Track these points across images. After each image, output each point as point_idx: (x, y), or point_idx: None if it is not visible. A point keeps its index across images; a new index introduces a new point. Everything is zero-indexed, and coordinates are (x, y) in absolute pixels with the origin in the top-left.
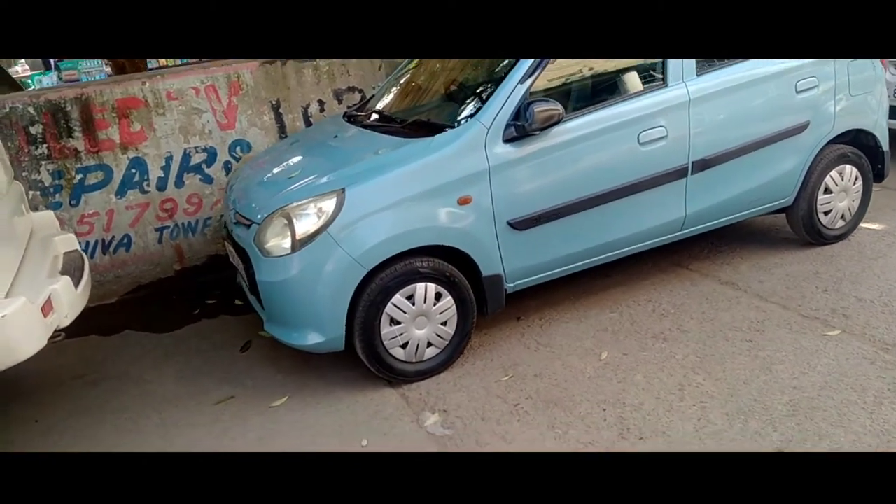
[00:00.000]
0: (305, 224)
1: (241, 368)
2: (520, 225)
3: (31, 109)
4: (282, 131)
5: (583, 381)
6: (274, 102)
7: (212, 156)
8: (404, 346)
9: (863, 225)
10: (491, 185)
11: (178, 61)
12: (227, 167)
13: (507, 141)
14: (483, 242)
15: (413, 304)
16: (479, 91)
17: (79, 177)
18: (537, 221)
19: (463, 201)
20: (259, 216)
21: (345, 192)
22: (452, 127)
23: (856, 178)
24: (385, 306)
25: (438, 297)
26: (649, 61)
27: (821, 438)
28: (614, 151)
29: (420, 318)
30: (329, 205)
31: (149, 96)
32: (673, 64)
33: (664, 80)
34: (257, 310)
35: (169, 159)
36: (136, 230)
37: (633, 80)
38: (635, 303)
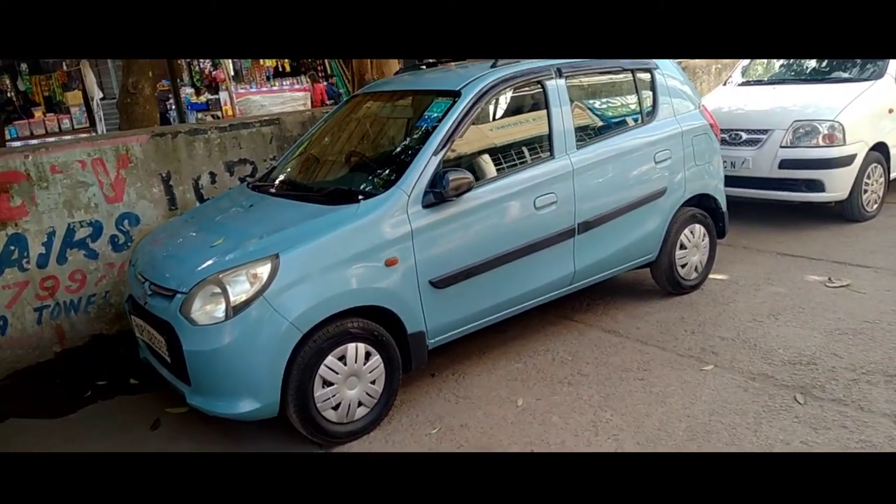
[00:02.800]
0: (239, 290)
1: (157, 447)
2: (440, 283)
3: None
4: (172, 204)
5: (507, 427)
6: (164, 175)
7: (97, 230)
8: (336, 407)
9: (711, 276)
10: (414, 247)
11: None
12: (114, 241)
13: (425, 206)
14: (408, 301)
15: (345, 365)
16: (390, 160)
17: None
18: (455, 280)
19: (390, 262)
20: (184, 285)
21: (279, 258)
22: (373, 195)
23: (704, 236)
24: (318, 368)
25: (367, 356)
26: (538, 135)
27: None
28: (517, 215)
29: (351, 377)
30: (264, 270)
31: (31, 170)
32: (557, 138)
33: (551, 153)
34: (175, 384)
35: (51, 235)
36: (12, 311)
37: (526, 152)
38: (535, 353)
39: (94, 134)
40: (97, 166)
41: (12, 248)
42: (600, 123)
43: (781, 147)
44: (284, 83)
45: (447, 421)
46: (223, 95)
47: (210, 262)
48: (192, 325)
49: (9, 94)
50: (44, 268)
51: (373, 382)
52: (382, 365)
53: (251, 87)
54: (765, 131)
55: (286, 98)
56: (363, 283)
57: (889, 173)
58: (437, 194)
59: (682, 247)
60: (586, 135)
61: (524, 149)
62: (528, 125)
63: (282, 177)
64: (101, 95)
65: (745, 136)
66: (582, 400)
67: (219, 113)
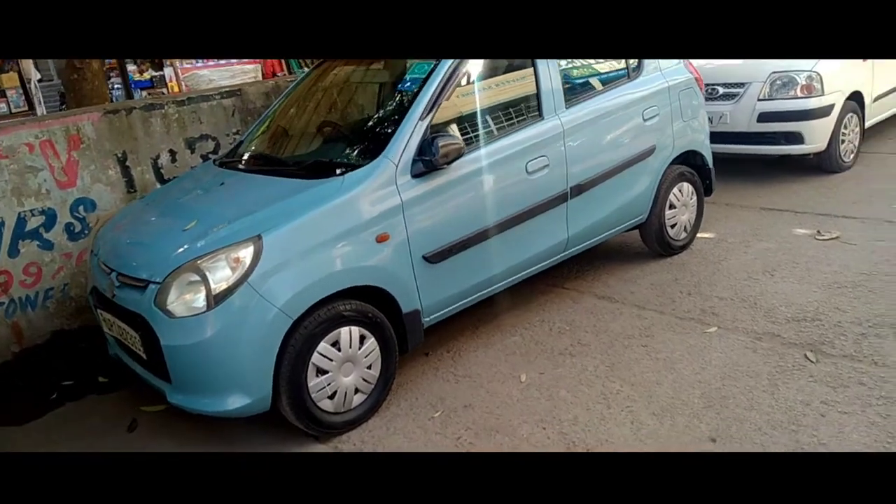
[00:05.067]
0: (220, 277)
1: (137, 448)
2: (434, 258)
3: None
4: (130, 186)
5: (513, 405)
6: (120, 155)
7: (51, 218)
8: (332, 396)
9: (699, 235)
10: (405, 220)
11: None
12: (70, 230)
13: (415, 176)
14: (402, 279)
15: (339, 351)
16: (370, 129)
17: None
18: (449, 253)
19: (381, 239)
20: (157, 274)
21: (262, 239)
22: (357, 166)
23: (692, 194)
24: (311, 356)
25: (362, 339)
26: (525, 95)
27: (741, 423)
28: (509, 181)
29: (346, 364)
30: (246, 253)
31: None
32: (546, 98)
33: (540, 113)
34: (152, 382)
35: (0, 226)
36: None
37: (514, 113)
38: (530, 324)
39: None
40: (46, 149)
41: None
42: (587, 81)
43: (759, 100)
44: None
45: (449, 402)
46: (168, 71)
47: (184, 247)
48: (170, 317)
49: None
50: None
51: (369, 367)
52: (378, 348)
53: (197, 62)
54: (742, 84)
55: (235, 71)
56: (354, 262)
57: (864, 122)
58: (427, 162)
59: (672, 206)
60: (574, 93)
61: (511, 110)
62: (514, 85)
63: (252, 151)
64: (38, 77)
65: (721, 90)
66: (587, 371)
67: (164, 90)
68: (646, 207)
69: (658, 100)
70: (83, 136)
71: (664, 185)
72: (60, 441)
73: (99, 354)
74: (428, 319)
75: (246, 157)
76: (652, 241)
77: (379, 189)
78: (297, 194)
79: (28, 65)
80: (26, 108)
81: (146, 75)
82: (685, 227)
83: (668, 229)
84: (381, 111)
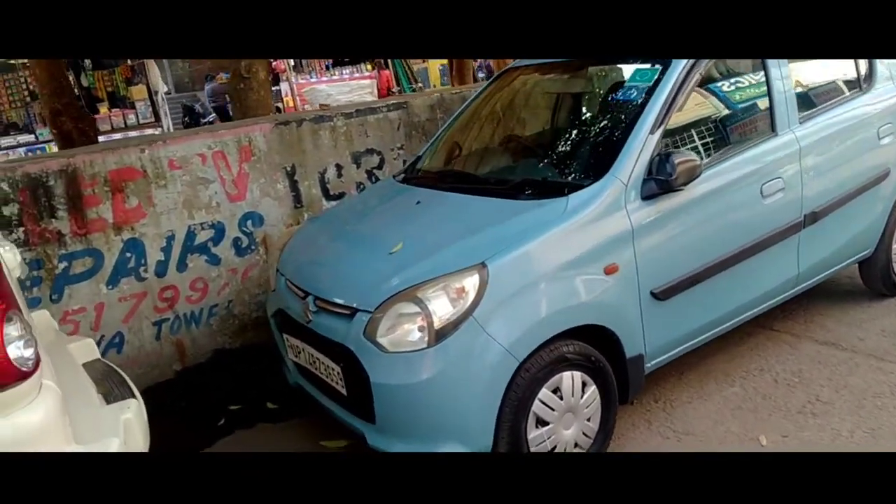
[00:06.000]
0: (442, 309)
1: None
2: (663, 294)
3: (4, 185)
4: (297, 201)
5: None
6: (289, 168)
7: (219, 232)
8: (551, 451)
9: None
10: (634, 249)
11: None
12: (237, 245)
13: (644, 198)
14: (627, 318)
15: (561, 399)
16: (585, 143)
17: (62, 265)
18: (678, 289)
19: (609, 270)
20: (368, 302)
21: (486, 268)
22: (577, 186)
23: None
24: (532, 404)
25: (583, 387)
26: (752, 106)
27: None
28: (743, 206)
29: (567, 414)
30: (471, 283)
31: (148, 166)
32: (779, 109)
33: (772, 128)
34: (346, 420)
35: (170, 239)
36: (129, 326)
37: (743, 128)
38: (748, 373)
39: (162, 129)
40: (218, 160)
41: (128, 254)
42: (816, 92)
43: None
44: (344, 72)
45: None
46: (284, 87)
47: (396, 273)
48: (382, 351)
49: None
50: (163, 276)
51: (588, 420)
52: (598, 397)
53: (311, 77)
54: None
55: (353, 87)
56: (581, 297)
57: None
58: (662, 183)
59: None
60: (805, 106)
61: (738, 123)
62: (742, 92)
63: (440, 167)
64: (165, 89)
65: None
66: (842, 437)
67: (279, 104)
68: (874, 240)
69: (893, 115)
70: (254, 147)
71: (894, 214)
72: None
73: (264, 377)
74: (649, 365)
75: (435, 173)
76: (875, 279)
77: (607, 212)
78: (515, 217)
79: (156, 78)
80: (153, 119)
81: None
82: None
83: (894, 265)
84: (598, 124)
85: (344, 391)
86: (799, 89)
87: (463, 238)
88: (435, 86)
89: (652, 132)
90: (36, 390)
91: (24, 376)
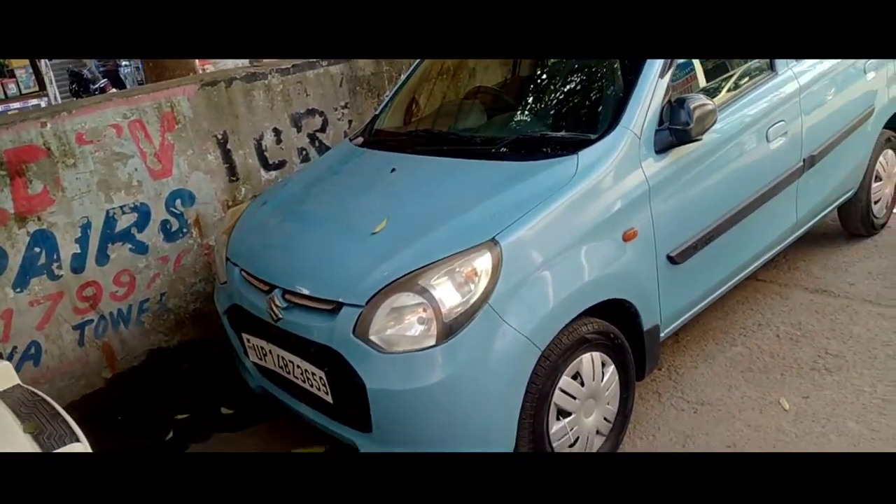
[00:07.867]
0: (450, 298)
1: None
2: (678, 257)
3: None
4: (231, 173)
5: (798, 446)
6: (220, 136)
7: (144, 216)
8: (573, 444)
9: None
10: (651, 210)
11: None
12: (166, 228)
13: (658, 151)
14: (645, 287)
15: (582, 385)
16: (580, 91)
17: None
18: (693, 250)
19: (628, 236)
20: (355, 295)
21: (499, 245)
22: (585, 141)
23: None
24: (553, 394)
25: (602, 368)
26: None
27: None
28: (752, 154)
29: (589, 401)
30: (482, 265)
31: (52, 142)
32: None
33: (771, 66)
34: (331, 428)
35: (86, 227)
36: (46, 333)
37: (745, 69)
38: (747, 329)
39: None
40: (136, 131)
41: (37, 249)
42: None
43: None
44: None
45: (701, 441)
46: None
47: (386, 257)
48: (379, 352)
49: None
50: (80, 272)
51: (608, 403)
52: (617, 377)
53: None
54: None
55: None
56: (602, 269)
57: None
58: (680, 132)
59: (878, 178)
60: None
61: (741, 63)
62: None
63: (405, 128)
64: None
65: None
66: (865, 393)
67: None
68: (857, 180)
69: None
70: (178, 114)
71: (875, 152)
72: None
73: (211, 378)
74: (663, 335)
75: (403, 134)
76: (855, 220)
77: (622, 170)
78: (518, 183)
79: None
80: (37, 87)
81: None
82: (886, 202)
83: (873, 205)
84: (590, 68)
85: (329, 398)
86: None
87: (461, 212)
88: None
89: (661, 75)
90: None
91: None
